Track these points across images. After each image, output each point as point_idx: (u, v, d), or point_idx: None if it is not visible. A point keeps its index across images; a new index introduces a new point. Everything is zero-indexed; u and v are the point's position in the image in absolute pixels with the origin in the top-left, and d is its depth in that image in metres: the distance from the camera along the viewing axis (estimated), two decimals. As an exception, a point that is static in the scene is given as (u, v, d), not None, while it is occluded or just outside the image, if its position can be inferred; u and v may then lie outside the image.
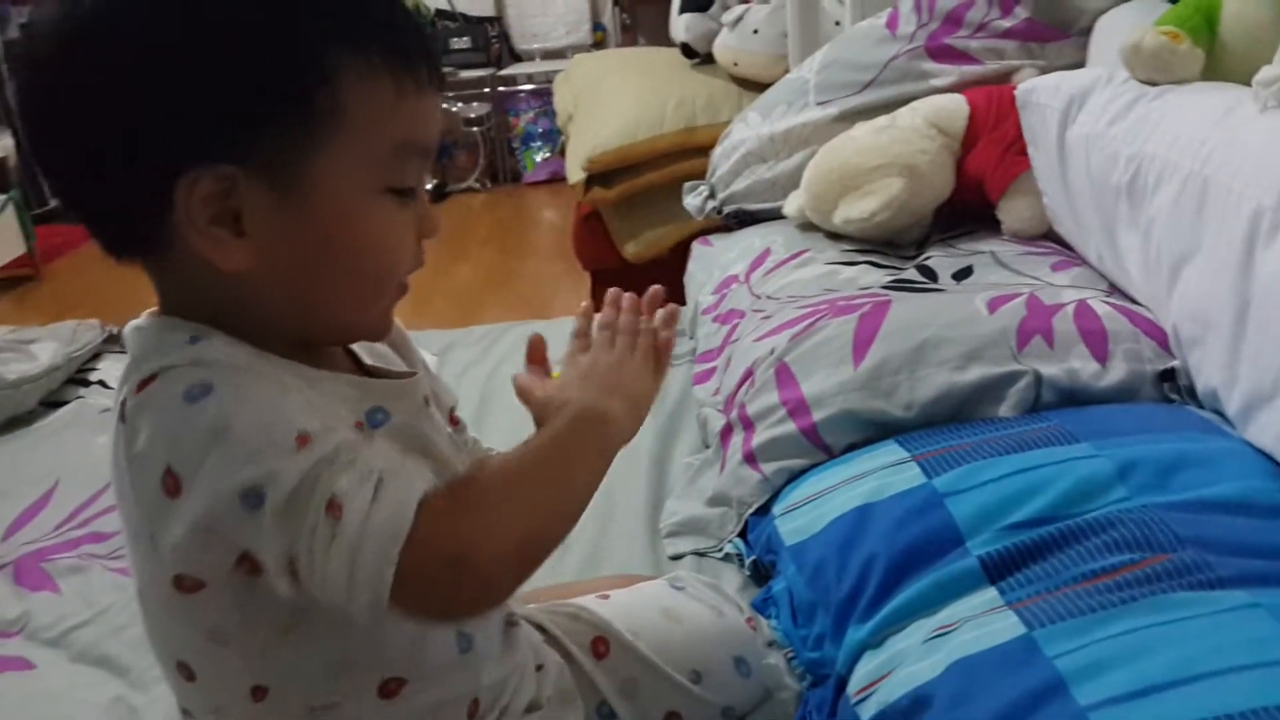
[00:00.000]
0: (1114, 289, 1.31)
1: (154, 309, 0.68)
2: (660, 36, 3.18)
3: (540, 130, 5.06)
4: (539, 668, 0.84)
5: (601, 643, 0.90)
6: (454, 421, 0.85)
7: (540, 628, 0.89)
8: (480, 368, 1.67)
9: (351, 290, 0.68)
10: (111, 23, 0.60)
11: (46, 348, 1.73)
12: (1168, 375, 1.13)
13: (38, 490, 1.42)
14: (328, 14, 0.62)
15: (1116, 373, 1.12)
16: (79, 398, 1.69)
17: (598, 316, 0.84)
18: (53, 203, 4.80)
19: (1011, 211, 1.53)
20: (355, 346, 0.77)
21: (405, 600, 0.58)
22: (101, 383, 1.73)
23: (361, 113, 0.63)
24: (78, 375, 1.75)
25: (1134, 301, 1.25)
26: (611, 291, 0.83)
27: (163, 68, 0.60)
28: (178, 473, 0.59)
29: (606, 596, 0.95)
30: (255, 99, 0.61)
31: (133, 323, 0.68)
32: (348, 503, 0.57)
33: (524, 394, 0.77)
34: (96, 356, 1.81)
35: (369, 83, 0.63)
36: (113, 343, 1.86)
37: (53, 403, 1.68)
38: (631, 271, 2.76)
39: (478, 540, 0.59)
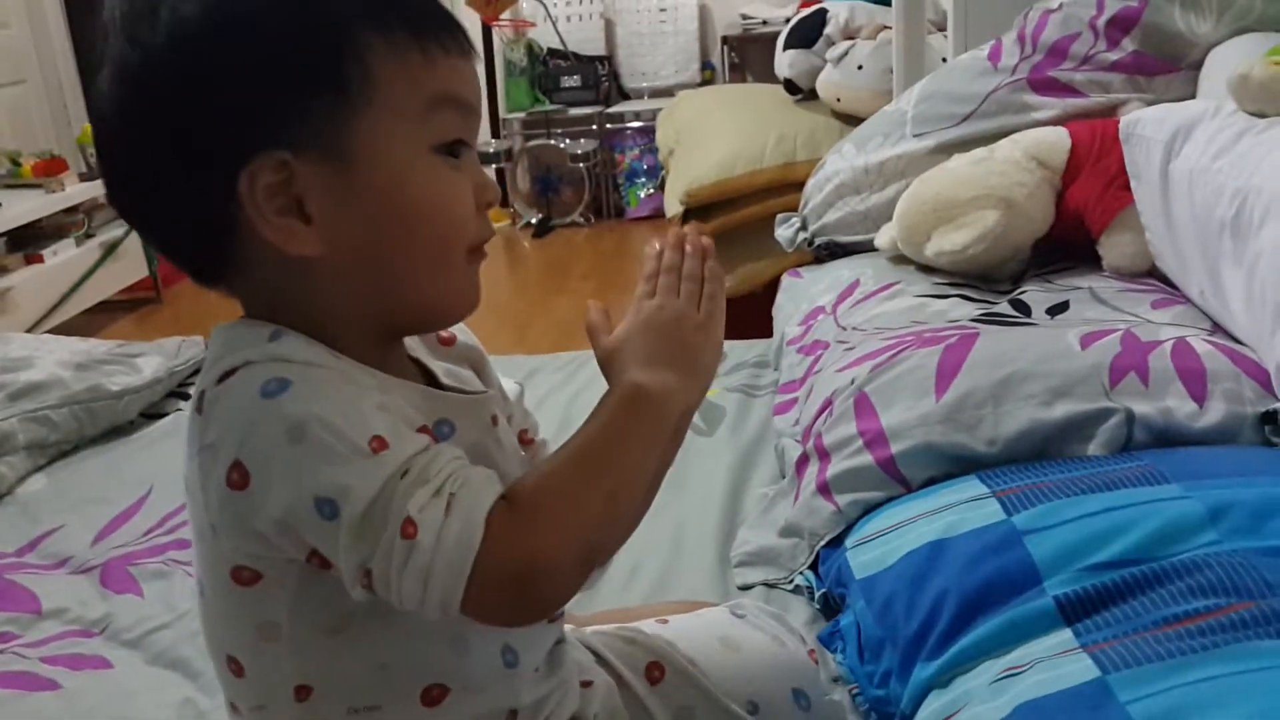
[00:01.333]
0: (1217, 328, 1.25)
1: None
2: (769, 75, 3.19)
3: (645, 167, 5.11)
4: (587, 684, 0.83)
5: (657, 668, 0.88)
6: (528, 441, 0.85)
7: (594, 652, 0.88)
8: (562, 393, 1.68)
9: (417, 259, 0.68)
10: (142, 39, 0.63)
11: (150, 361, 1.79)
12: (1270, 418, 1.07)
13: (131, 497, 1.46)
14: (373, 5, 0.65)
15: (1214, 413, 1.07)
16: (178, 410, 1.75)
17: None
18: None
19: (1113, 247, 1.48)
20: (433, 365, 0.77)
21: (475, 608, 0.60)
22: (200, 397, 1.78)
23: (394, 79, 0.65)
24: (179, 389, 1.81)
25: (1237, 341, 1.19)
26: (674, 232, 0.80)
27: (198, 71, 0.62)
28: (247, 467, 0.60)
29: (665, 621, 0.94)
30: (291, 85, 0.63)
31: (218, 325, 0.69)
32: (422, 524, 0.58)
33: (592, 335, 0.77)
34: (197, 371, 1.86)
35: (396, 52, 0.65)
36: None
37: (153, 414, 1.74)
38: (726, 306, 2.75)
39: (542, 549, 0.60)
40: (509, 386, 0.88)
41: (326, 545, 0.60)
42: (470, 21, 5.22)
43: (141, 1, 0.63)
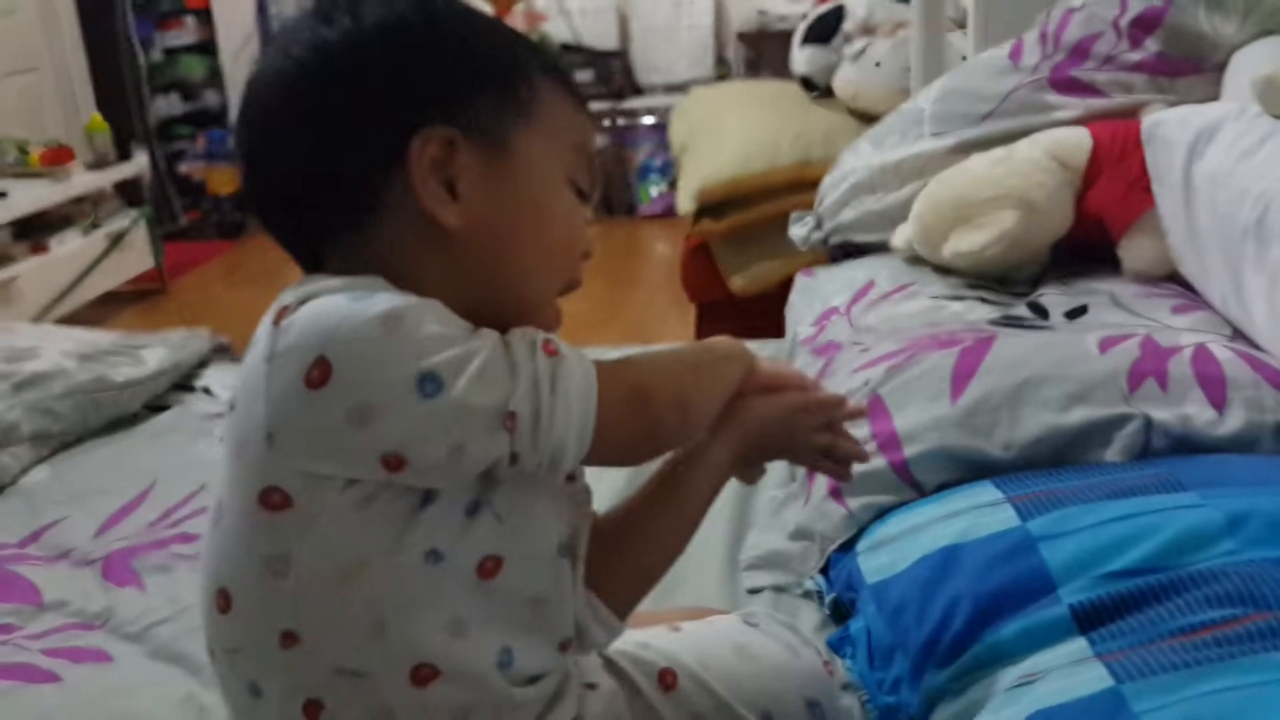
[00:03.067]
0: (1238, 334, 1.23)
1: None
2: (784, 71, 3.17)
3: (657, 164, 5.09)
4: (591, 686, 0.82)
5: (670, 674, 0.86)
6: None
7: (606, 658, 0.86)
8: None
9: (535, 262, 0.75)
10: (339, 22, 0.71)
11: (155, 353, 1.78)
12: (1292, 426, 1.05)
13: (134, 489, 1.45)
14: (542, 60, 0.76)
15: (1234, 421, 1.05)
16: (182, 403, 1.74)
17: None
18: (182, 220, 5.05)
19: (1134, 250, 1.45)
20: None
21: (603, 431, 0.68)
22: (206, 390, 1.78)
23: (554, 109, 0.75)
24: (183, 382, 1.80)
25: (1258, 348, 1.17)
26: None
27: (406, 45, 0.71)
28: (331, 361, 0.61)
29: (677, 629, 0.92)
30: (477, 77, 0.72)
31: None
32: (559, 346, 0.67)
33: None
34: (203, 365, 1.86)
35: (558, 92, 0.76)
36: (221, 353, 1.91)
37: (157, 406, 1.73)
38: (738, 305, 2.73)
39: (645, 381, 0.73)
40: None
41: (423, 425, 0.62)
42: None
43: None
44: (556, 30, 5.38)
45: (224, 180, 5.18)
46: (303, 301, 0.65)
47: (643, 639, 0.89)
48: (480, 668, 0.70)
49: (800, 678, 0.92)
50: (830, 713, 0.92)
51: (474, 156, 0.71)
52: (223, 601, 0.69)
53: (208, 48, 5.34)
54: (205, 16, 5.30)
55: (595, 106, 5.22)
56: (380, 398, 0.61)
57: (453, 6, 0.75)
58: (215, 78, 5.41)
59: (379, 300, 0.63)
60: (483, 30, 0.75)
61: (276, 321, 0.65)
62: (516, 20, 5.22)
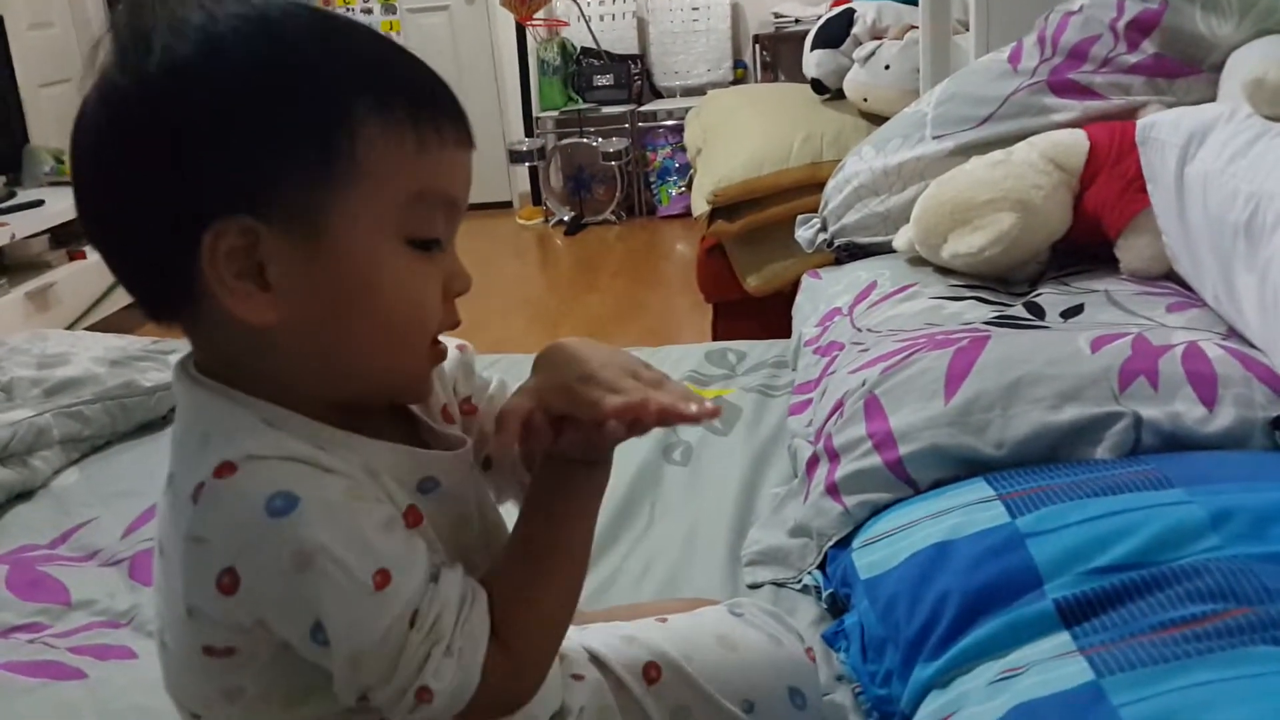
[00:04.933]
0: (1231, 332, 1.25)
1: (187, 357, 0.70)
2: (800, 74, 3.20)
3: (676, 165, 5.12)
4: (578, 678, 0.85)
5: (654, 668, 0.89)
6: (470, 411, 0.84)
7: (591, 652, 0.89)
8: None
9: (375, 344, 0.67)
10: (132, 66, 0.62)
11: (182, 358, 1.83)
12: None
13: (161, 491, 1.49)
14: (350, 67, 0.64)
15: (1224, 418, 1.07)
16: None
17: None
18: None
19: (1131, 250, 1.47)
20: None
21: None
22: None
23: (381, 162, 0.63)
24: (209, 385, 1.84)
25: (1250, 345, 1.19)
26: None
27: (177, 116, 0.61)
28: (241, 577, 0.61)
29: (664, 620, 0.95)
30: (273, 150, 0.61)
31: (180, 374, 0.68)
32: (437, 692, 0.64)
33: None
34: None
35: (390, 133, 0.64)
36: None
37: (184, 410, 1.77)
38: (753, 304, 2.76)
39: (529, 686, 0.70)
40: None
41: (319, 660, 0.64)
42: (505, 21, 5.27)
43: (140, 24, 0.62)
44: (577, 36, 5.42)
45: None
46: (219, 469, 0.61)
47: (629, 632, 0.92)
48: None
49: (782, 666, 0.94)
50: (812, 700, 0.94)
51: (281, 242, 0.62)
52: (194, 717, 0.72)
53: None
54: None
55: (615, 110, 5.26)
56: (284, 628, 0.63)
57: (252, 45, 0.62)
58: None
59: (292, 523, 0.60)
60: (291, 80, 0.62)
61: (195, 496, 0.61)
62: (538, 27, 5.26)
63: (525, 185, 5.53)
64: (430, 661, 0.63)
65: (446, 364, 0.80)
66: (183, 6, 0.62)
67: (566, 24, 5.38)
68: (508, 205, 5.63)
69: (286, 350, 0.65)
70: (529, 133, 5.32)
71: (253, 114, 0.61)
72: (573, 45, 5.43)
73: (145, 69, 0.61)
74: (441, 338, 0.73)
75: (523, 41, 5.26)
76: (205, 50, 0.61)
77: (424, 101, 0.66)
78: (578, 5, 5.34)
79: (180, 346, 1.88)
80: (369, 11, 5.66)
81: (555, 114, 5.37)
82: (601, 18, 5.45)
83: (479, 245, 5.09)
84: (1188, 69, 1.62)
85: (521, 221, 5.37)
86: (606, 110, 5.31)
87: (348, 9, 5.67)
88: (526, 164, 5.32)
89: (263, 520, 0.60)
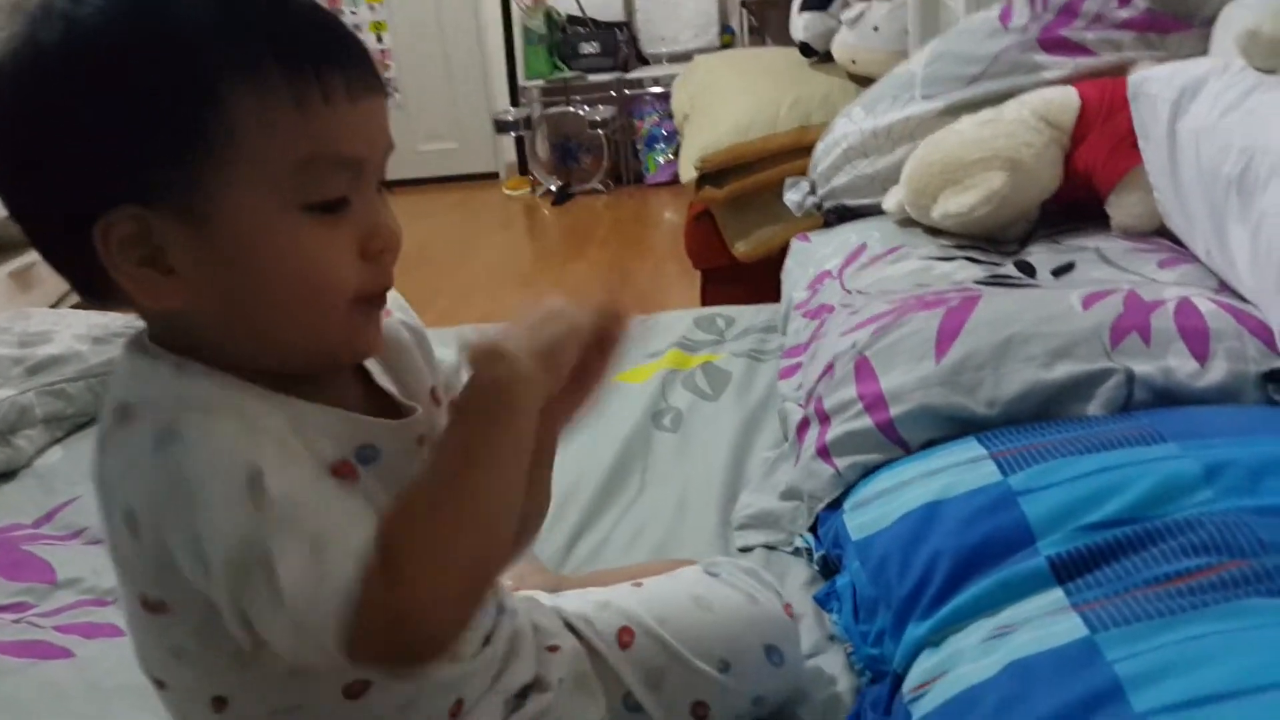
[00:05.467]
0: (1223, 287, 1.24)
1: (142, 331, 0.68)
2: (788, 38, 3.17)
3: (664, 132, 5.09)
4: (553, 649, 0.84)
5: (627, 632, 0.89)
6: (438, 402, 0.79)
7: (565, 619, 0.89)
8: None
9: (286, 313, 0.64)
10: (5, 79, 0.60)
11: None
12: (1273, 376, 1.06)
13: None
14: (211, 28, 0.60)
15: (1216, 372, 1.06)
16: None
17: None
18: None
19: (1122, 207, 1.46)
20: (369, 366, 0.75)
21: (359, 658, 0.58)
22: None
23: (258, 132, 0.60)
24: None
25: (1243, 299, 1.18)
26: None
27: (45, 120, 0.59)
28: (137, 516, 0.60)
29: (639, 584, 0.94)
30: (145, 135, 0.59)
31: (127, 339, 0.68)
32: (285, 572, 0.56)
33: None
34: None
35: (264, 100, 0.60)
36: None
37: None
38: (741, 270, 2.74)
39: (416, 598, 0.57)
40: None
41: (206, 589, 0.59)
42: (489, -12, 5.22)
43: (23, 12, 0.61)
44: (562, 3, 5.37)
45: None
46: (122, 412, 0.62)
47: (604, 598, 0.92)
48: None
49: (758, 624, 0.93)
50: (790, 657, 0.94)
51: (171, 225, 0.60)
52: (157, 683, 0.71)
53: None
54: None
55: (601, 78, 5.22)
56: (175, 560, 0.59)
57: (110, 27, 0.59)
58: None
59: (173, 455, 0.58)
60: (148, 54, 0.59)
61: (102, 442, 0.63)
62: (521, -7, 5.21)
63: (511, 155, 5.49)
64: (284, 551, 0.56)
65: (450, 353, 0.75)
66: None
67: (552, -9, 5.33)
68: (494, 176, 5.59)
69: (207, 328, 0.64)
70: (514, 102, 5.27)
71: (113, 100, 0.59)
72: (558, 13, 5.37)
73: (14, 59, 0.60)
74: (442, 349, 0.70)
75: (508, 10, 5.21)
76: (65, 36, 0.59)
77: (300, 56, 0.61)
78: (563, -28, 5.29)
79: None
80: (351, -20, 5.60)
81: (541, 83, 5.32)
82: (587, -16, 5.39)
83: (465, 217, 5.05)
84: (1179, 24, 1.60)
85: (508, 192, 5.33)
86: (593, 78, 5.27)
87: (329, -22, 5.61)
88: (512, 134, 5.28)
89: (149, 455, 0.59)
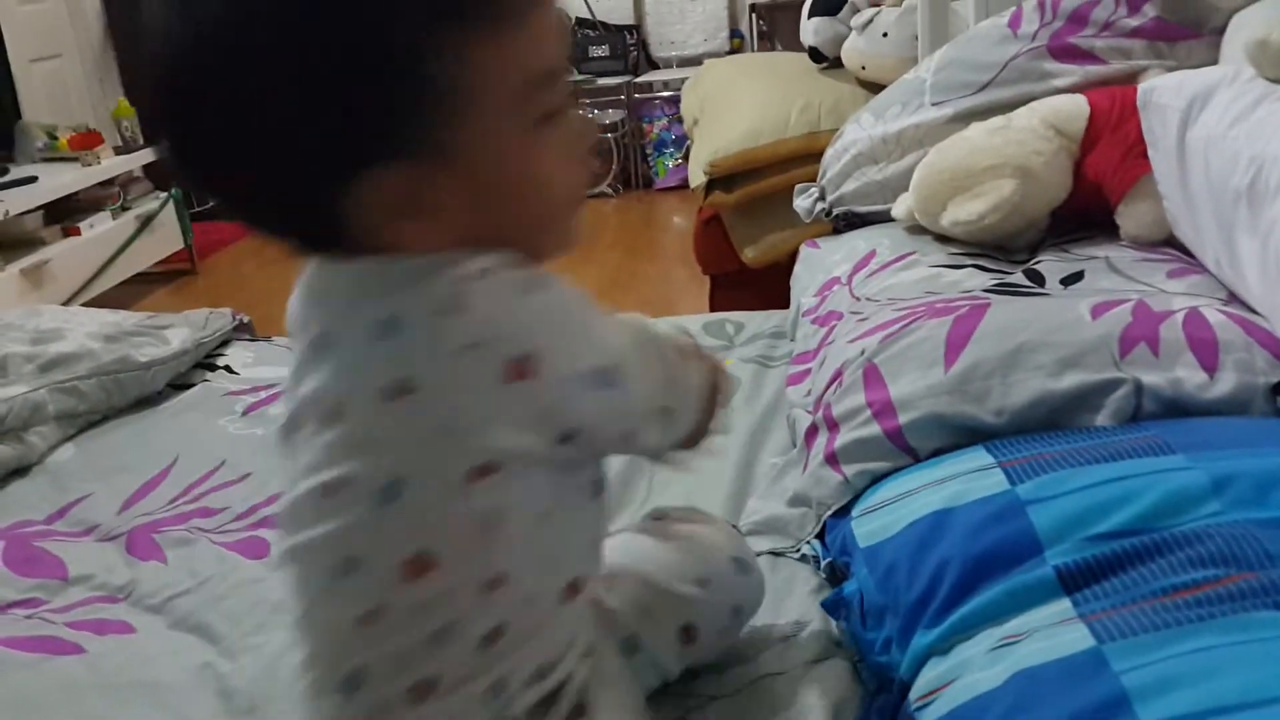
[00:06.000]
0: (1233, 297, 1.24)
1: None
2: (797, 43, 3.17)
3: (673, 137, 5.10)
4: None
5: (609, 579, 0.91)
6: None
7: None
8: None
9: (540, 224, 0.72)
10: (243, 51, 0.62)
11: (178, 333, 1.82)
12: (1281, 388, 1.06)
13: (157, 466, 1.49)
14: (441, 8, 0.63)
15: (1225, 384, 1.06)
16: (205, 381, 1.78)
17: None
18: (211, 202, 5.10)
19: (1132, 216, 1.46)
20: None
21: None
22: (228, 368, 1.81)
23: (480, 69, 0.64)
24: (206, 360, 1.84)
25: (1252, 311, 1.18)
26: None
27: (298, 93, 0.62)
28: (529, 356, 0.64)
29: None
30: (386, 97, 0.62)
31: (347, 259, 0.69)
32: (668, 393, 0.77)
33: None
34: (225, 343, 1.90)
35: (475, 38, 0.64)
36: (242, 331, 1.95)
37: (180, 385, 1.77)
38: (750, 276, 2.75)
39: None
40: None
41: (592, 416, 0.69)
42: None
43: None
44: (572, 6, 5.38)
45: (246, 161, 5.23)
46: (463, 278, 0.65)
47: None
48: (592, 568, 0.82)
49: (719, 540, 1.00)
50: (753, 565, 1.02)
51: (426, 174, 0.65)
52: (417, 566, 0.67)
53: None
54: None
55: (610, 81, 5.23)
56: (567, 392, 0.67)
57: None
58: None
59: (551, 294, 0.67)
60: (370, 22, 0.61)
61: (441, 309, 0.64)
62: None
63: (521, 158, 5.52)
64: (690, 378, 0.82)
65: None
66: None
67: (562, -6, 5.34)
68: (504, 179, 5.61)
69: (455, 240, 0.68)
70: (524, 105, 5.29)
71: (352, 68, 0.61)
72: (567, 15, 5.39)
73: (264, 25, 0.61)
74: None
75: (517, 12, 5.22)
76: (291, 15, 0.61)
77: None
78: (572, -25, 5.30)
79: (174, 321, 1.88)
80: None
81: (550, 86, 5.34)
82: (597, -13, 5.41)
83: (474, 219, 5.07)
84: (1189, 33, 1.61)
85: (518, 195, 5.35)
86: (602, 82, 5.28)
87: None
88: (522, 136, 5.30)
89: (522, 297, 0.66)
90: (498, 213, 0.68)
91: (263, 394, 1.68)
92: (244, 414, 1.63)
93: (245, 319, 1.97)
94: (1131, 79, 1.60)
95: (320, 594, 0.72)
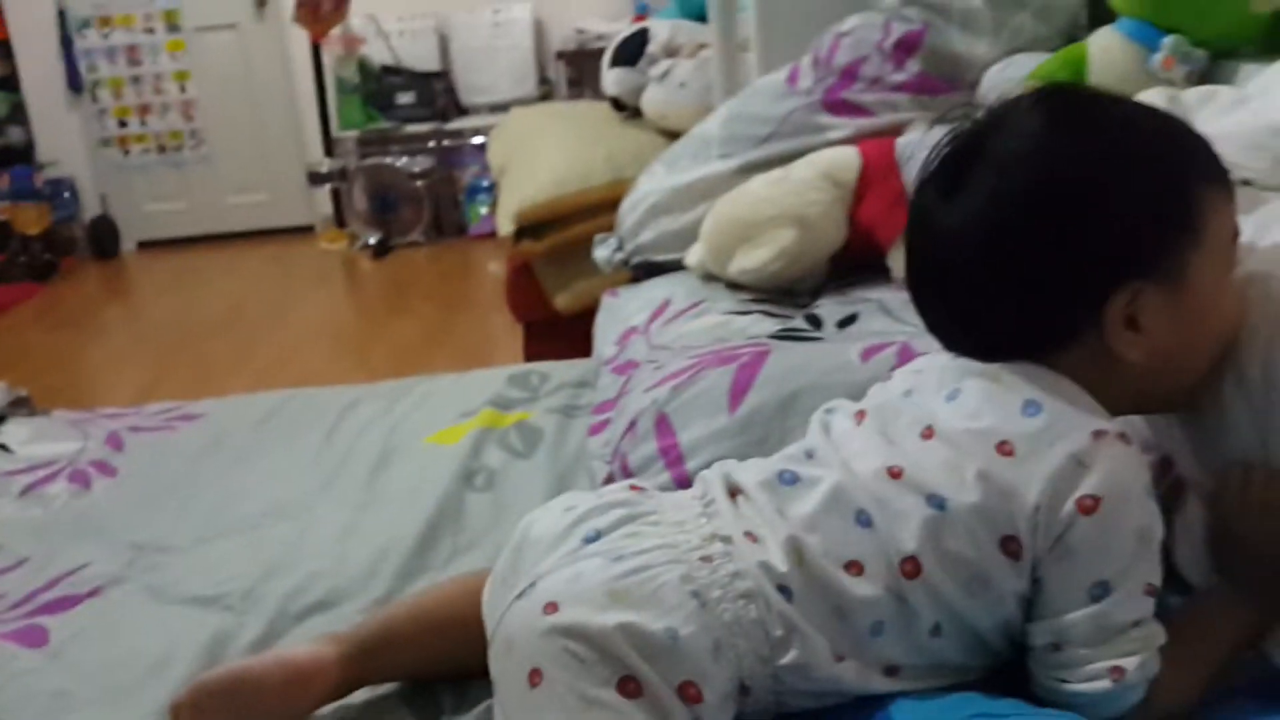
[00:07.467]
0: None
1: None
2: (604, 90, 3.26)
3: (485, 184, 5.11)
4: None
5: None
6: None
7: None
8: (383, 423, 1.67)
9: (1204, 361, 0.84)
10: (1021, 179, 0.81)
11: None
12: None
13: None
14: (1201, 163, 0.83)
15: (983, 417, 1.14)
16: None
17: None
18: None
19: (900, 260, 1.55)
20: None
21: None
22: (3, 446, 1.72)
23: (1215, 222, 0.82)
24: (-23, 432, 1.74)
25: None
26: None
27: (1108, 209, 0.80)
28: (1109, 512, 0.76)
29: None
30: (1164, 229, 0.80)
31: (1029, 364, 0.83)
32: (1128, 670, 0.77)
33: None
34: (1, 419, 1.80)
35: (1215, 195, 0.82)
36: (19, 406, 1.85)
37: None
38: (564, 323, 2.77)
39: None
40: None
41: (1064, 596, 0.78)
42: (299, 38, 5.15)
43: (1032, 147, 0.81)
44: (376, 53, 5.34)
45: (30, 219, 4.97)
46: (1098, 434, 0.77)
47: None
48: None
49: None
50: None
51: (1157, 297, 0.80)
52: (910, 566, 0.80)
53: (8, 83, 5.12)
54: (4, 49, 5.08)
55: (419, 128, 5.22)
56: (1089, 560, 0.77)
57: (1145, 153, 0.82)
58: (18, 113, 5.19)
59: (1148, 503, 0.78)
60: (1166, 172, 0.81)
61: (1093, 437, 0.77)
62: (334, 44, 5.17)
63: (327, 208, 5.42)
64: (1142, 654, 0.77)
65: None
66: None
67: (364, 41, 5.29)
68: (309, 229, 5.49)
69: (1129, 373, 0.82)
70: (329, 153, 5.21)
71: (1147, 204, 0.80)
72: (372, 62, 5.35)
73: (1035, 179, 0.81)
74: None
75: (318, 59, 5.15)
76: (1100, 153, 0.81)
77: (1225, 172, 0.84)
78: (375, 21, 5.27)
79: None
80: (151, 31, 5.44)
81: (356, 133, 5.28)
82: (401, 34, 5.39)
83: (280, 272, 4.94)
84: (949, 86, 1.73)
85: (325, 246, 5.24)
86: (410, 129, 5.26)
87: (128, 29, 5.43)
88: (327, 185, 5.21)
89: (1141, 498, 0.78)
90: (1187, 342, 0.82)
91: (40, 473, 1.60)
92: (20, 495, 1.55)
93: (23, 393, 1.87)
94: (899, 130, 1.72)
95: None
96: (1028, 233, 0.81)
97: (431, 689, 1.03)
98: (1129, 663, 0.76)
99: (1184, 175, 0.82)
